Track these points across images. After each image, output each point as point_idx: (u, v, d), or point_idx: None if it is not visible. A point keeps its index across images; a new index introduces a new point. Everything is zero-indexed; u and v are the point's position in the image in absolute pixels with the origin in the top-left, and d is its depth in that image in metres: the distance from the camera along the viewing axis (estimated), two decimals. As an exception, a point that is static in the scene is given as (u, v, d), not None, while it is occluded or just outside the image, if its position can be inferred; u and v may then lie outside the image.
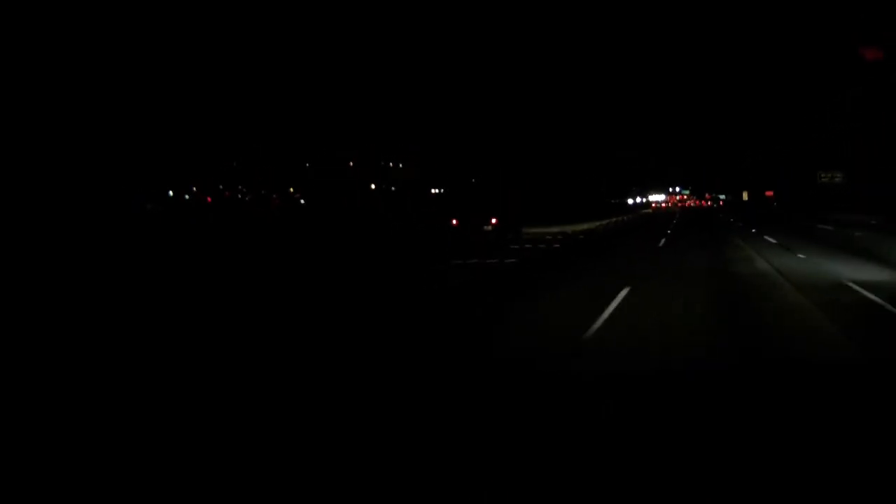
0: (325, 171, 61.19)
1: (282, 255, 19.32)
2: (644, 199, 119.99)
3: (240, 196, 63.06)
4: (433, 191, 64.43)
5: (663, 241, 24.41)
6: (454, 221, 26.20)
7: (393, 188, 64.63)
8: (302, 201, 63.90)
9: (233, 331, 8.02)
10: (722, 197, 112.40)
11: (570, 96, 72.88)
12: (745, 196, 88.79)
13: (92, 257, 17.42)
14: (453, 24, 59.01)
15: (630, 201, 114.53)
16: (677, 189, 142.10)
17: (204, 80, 41.73)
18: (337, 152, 58.80)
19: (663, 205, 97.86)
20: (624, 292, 10.02)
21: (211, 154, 51.70)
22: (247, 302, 10.46)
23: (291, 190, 66.40)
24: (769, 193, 78.61)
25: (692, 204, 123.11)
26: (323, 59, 53.33)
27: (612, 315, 8.30)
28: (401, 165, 66.60)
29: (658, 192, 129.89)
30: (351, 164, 62.36)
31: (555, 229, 32.89)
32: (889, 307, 8.48)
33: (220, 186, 59.55)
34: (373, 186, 62.87)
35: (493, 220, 25.62)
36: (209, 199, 56.68)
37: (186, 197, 55.41)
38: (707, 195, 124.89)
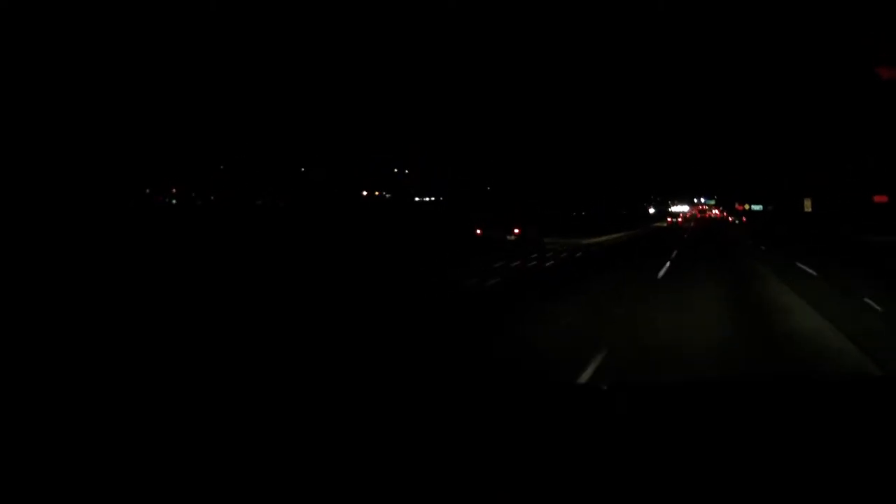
0: (326, 178, 60.77)
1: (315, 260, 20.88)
2: (660, 210, 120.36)
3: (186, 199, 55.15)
4: (422, 199, 65.63)
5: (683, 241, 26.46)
6: (478, 231, 28.72)
7: (388, 195, 65.21)
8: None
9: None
10: (757, 208, 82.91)
11: (590, 104, 74.77)
12: (807, 205, 56.82)
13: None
14: (468, 33, 61.16)
15: (651, 210, 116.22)
16: (702, 200, 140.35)
17: (193, 80, 41.22)
18: (339, 159, 59.16)
19: (679, 219, 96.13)
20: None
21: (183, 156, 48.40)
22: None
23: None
24: (881, 198, 44.99)
25: (712, 215, 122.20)
26: (330, 61, 54.56)
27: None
28: (406, 172, 68.47)
29: (682, 202, 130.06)
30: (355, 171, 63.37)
31: (571, 240, 35.18)
32: None
33: (173, 189, 52.47)
34: (364, 193, 63.59)
35: (517, 231, 28.11)
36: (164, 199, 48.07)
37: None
38: (738, 206, 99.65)
